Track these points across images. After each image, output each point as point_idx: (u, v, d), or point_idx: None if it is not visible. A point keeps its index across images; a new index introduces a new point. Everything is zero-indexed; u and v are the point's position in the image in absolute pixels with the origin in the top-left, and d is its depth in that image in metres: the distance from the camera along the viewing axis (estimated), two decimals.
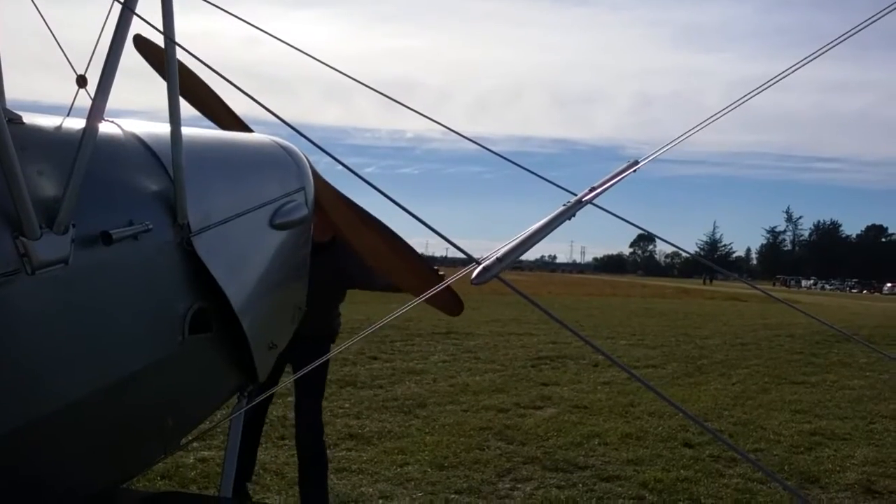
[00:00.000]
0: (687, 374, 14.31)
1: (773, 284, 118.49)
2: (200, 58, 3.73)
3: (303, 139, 2.63)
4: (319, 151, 2.55)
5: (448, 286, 4.84)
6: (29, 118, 2.55)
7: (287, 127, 2.56)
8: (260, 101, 2.64)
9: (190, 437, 3.51)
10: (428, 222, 2.12)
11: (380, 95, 3.14)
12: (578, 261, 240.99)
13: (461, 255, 2.09)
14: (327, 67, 3.13)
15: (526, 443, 8.39)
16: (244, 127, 4.42)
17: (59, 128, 2.69)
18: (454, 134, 3.04)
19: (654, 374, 14.18)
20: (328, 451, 7.64)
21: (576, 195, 2.38)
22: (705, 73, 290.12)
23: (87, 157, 2.35)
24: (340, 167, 2.42)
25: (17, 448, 2.28)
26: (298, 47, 3.01)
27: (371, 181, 2.21)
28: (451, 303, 5.22)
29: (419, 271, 4.85)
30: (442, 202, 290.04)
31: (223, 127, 4.45)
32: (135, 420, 2.81)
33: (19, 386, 2.22)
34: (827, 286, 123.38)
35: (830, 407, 11.47)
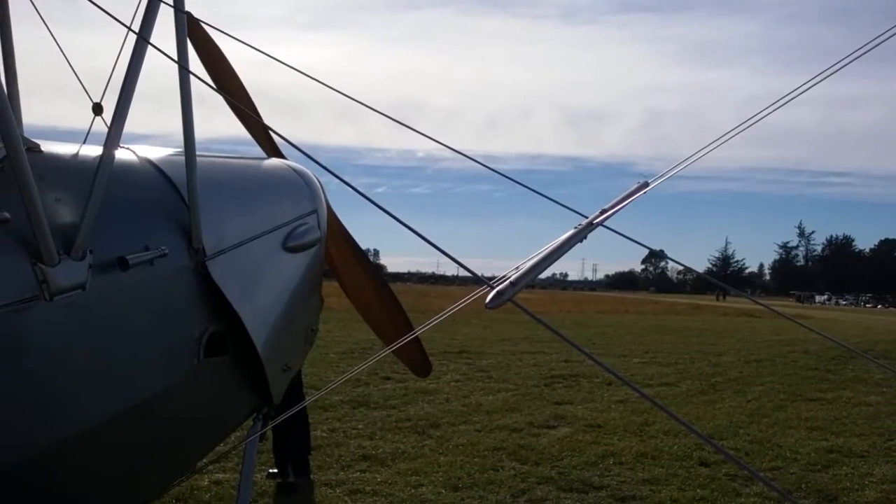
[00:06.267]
0: (701, 391, 14.21)
1: (798, 301, 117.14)
2: (213, 85, 3.78)
3: (313, 162, 2.66)
4: (331, 173, 2.58)
5: (420, 347, 4.92)
6: (46, 146, 2.59)
7: (298, 151, 2.59)
8: (272, 124, 2.67)
9: (206, 460, 3.53)
10: (438, 242, 2.14)
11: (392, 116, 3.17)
12: (590, 278, 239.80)
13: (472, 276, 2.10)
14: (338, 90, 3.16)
15: (540, 463, 8.35)
16: (274, 146, 4.51)
17: (75, 155, 2.73)
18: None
19: (668, 392, 14.08)
20: (342, 473, 7.64)
21: (585, 215, 2.39)
22: (714, 89, 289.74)
23: (103, 184, 2.39)
24: (351, 189, 2.44)
25: (36, 471, 2.30)
26: (308, 73, 3.04)
27: (382, 202, 2.23)
28: (419, 362, 5.24)
29: (397, 322, 4.88)
30: (453, 221, 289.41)
31: (256, 139, 4.54)
32: (151, 443, 2.83)
33: (38, 410, 2.24)
34: (841, 301, 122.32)
35: (847, 424, 11.35)
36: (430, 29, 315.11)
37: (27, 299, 2.15)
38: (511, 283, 1.85)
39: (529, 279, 1.90)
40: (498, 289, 1.83)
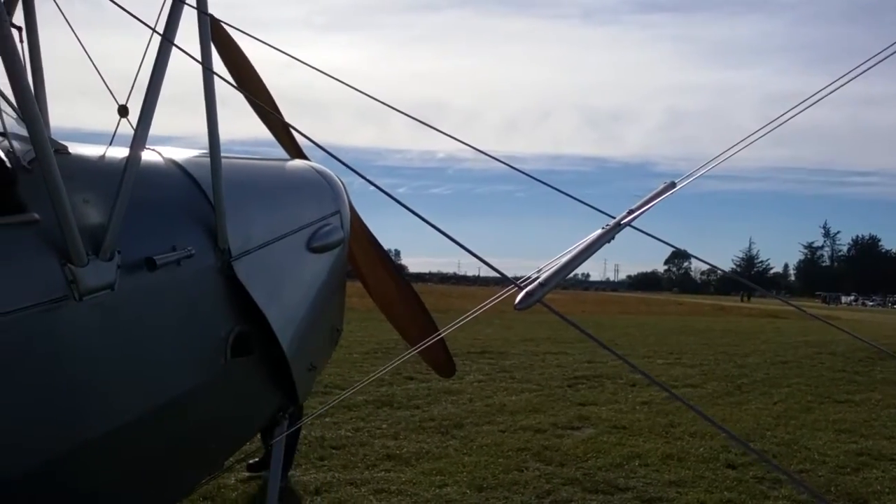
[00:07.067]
0: (727, 393, 14.06)
1: (823, 301, 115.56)
2: (237, 86, 3.80)
3: (336, 162, 2.66)
4: (353, 173, 2.58)
5: (445, 348, 4.95)
6: (74, 148, 2.61)
7: (321, 150, 2.59)
8: (296, 125, 2.68)
9: (233, 459, 3.54)
10: (461, 242, 2.13)
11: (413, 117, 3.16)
12: (612, 279, 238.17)
13: (494, 275, 2.09)
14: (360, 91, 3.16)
15: (565, 464, 8.30)
16: (297, 147, 4.54)
17: (102, 157, 2.75)
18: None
19: (694, 393, 13.96)
20: (367, 472, 7.65)
21: (612, 216, 2.37)
22: (736, 89, 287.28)
23: (130, 185, 2.40)
24: (373, 188, 2.44)
25: (64, 471, 2.31)
26: (330, 73, 3.05)
27: (403, 202, 2.23)
28: (443, 362, 5.27)
29: (420, 322, 4.90)
30: (474, 221, 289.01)
31: (279, 139, 4.57)
32: (179, 442, 2.84)
33: (67, 409, 2.26)
34: (868, 302, 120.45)
35: (876, 426, 11.19)
36: (450, 30, 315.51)
37: (57, 299, 2.17)
38: (540, 283, 1.83)
39: (559, 279, 1.88)
40: (527, 289, 1.81)
